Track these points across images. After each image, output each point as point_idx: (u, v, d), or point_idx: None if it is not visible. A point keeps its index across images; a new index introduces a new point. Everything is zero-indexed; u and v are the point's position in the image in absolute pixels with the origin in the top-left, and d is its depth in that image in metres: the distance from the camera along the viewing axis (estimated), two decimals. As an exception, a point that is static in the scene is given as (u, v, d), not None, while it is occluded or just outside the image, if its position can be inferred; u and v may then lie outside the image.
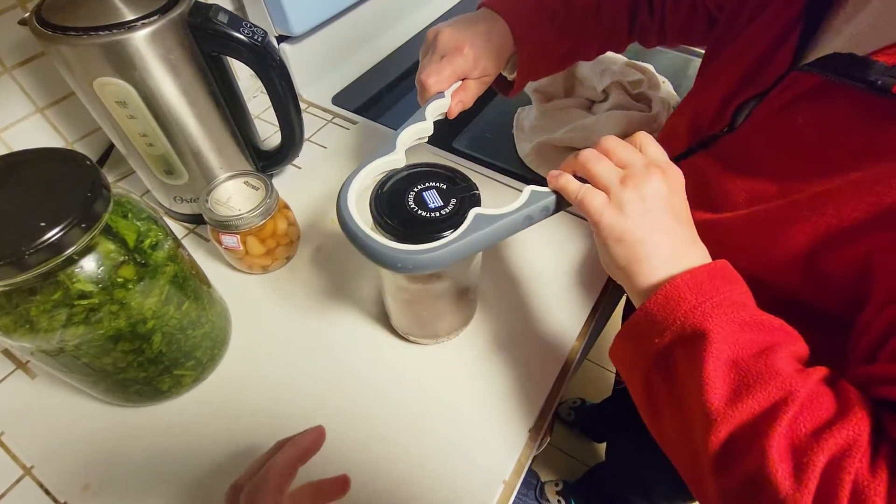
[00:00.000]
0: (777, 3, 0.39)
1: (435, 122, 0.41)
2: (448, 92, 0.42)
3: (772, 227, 0.34)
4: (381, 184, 0.35)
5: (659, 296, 0.28)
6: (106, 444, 0.41)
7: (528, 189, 0.34)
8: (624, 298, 0.70)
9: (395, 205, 0.34)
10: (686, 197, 0.33)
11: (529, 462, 0.42)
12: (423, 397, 0.44)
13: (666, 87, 0.75)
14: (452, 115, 0.44)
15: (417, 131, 0.40)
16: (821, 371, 0.27)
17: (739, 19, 0.43)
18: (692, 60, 0.88)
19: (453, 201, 0.34)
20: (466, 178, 0.36)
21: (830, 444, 0.23)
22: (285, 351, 0.47)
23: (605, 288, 0.52)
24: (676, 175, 0.33)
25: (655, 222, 0.30)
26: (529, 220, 0.34)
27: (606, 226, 0.31)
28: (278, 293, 0.51)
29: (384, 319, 0.49)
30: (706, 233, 0.33)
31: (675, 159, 0.41)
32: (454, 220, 0.33)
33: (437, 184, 0.35)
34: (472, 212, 0.32)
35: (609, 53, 0.80)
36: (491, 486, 0.39)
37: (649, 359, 0.29)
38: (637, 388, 0.31)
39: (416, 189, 0.35)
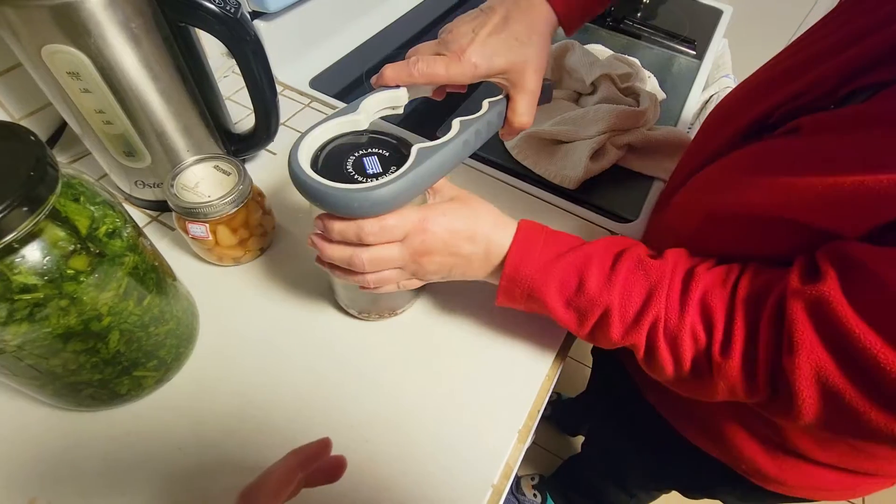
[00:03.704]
0: None
1: (410, 102, 0.39)
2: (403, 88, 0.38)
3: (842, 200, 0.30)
4: (323, 146, 0.34)
5: (501, 285, 0.37)
6: (56, 453, 0.37)
7: (457, 120, 0.36)
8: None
9: (331, 167, 0.33)
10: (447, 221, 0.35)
11: (518, 464, 0.40)
12: (407, 399, 0.42)
13: (651, 82, 0.75)
14: (440, 97, 0.42)
15: (387, 99, 0.37)
16: (626, 264, 0.35)
17: None
18: (677, 57, 0.88)
19: (393, 168, 0.33)
20: (410, 147, 0.34)
21: (645, 322, 0.33)
22: (258, 349, 0.43)
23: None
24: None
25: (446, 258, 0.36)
26: (467, 145, 0.36)
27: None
28: (251, 287, 0.48)
29: (364, 316, 0.46)
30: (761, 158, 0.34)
31: (750, 137, 0.39)
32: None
33: (381, 150, 0.35)
34: (415, 147, 0.33)
35: (597, 46, 0.79)
36: (479, 490, 0.38)
37: (523, 303, 0.38)
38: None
39: (356, 154, 0.34)
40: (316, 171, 0.32)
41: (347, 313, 0.46)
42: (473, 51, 0.36)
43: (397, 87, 0.37)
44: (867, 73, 0.32)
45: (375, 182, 0.31)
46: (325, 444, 0.30)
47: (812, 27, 0.42)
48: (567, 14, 0.41)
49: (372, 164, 0.34)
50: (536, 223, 0.38)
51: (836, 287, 0.27)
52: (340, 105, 0.68)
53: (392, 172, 0.32)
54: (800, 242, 0.32)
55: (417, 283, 0.39)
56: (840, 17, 0.39)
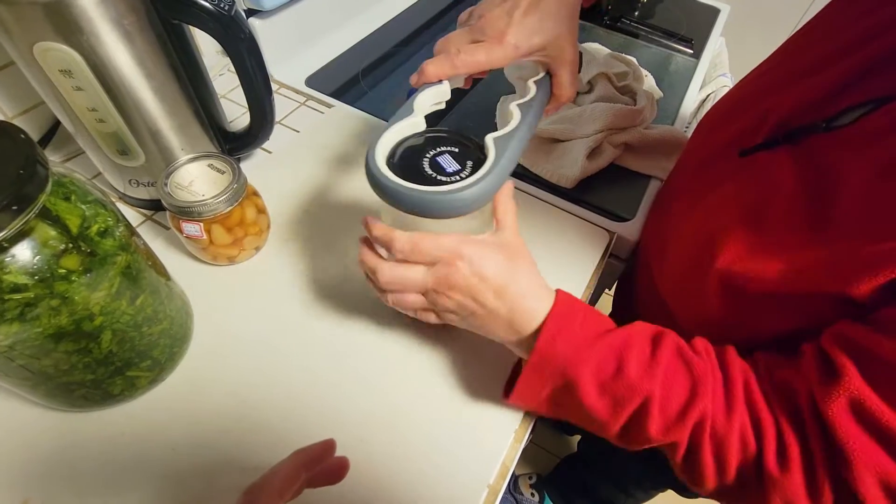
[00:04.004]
0: None
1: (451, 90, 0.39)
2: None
3: (816, 280, 0.31)
4: (392, 152, 0.34)
5: (532, 361, 0.34)
6: (49, 454, 0.37)
7: (514, 105, 0.36)
8: (614, 287, 0.70)
9: (411, 172, 0.32)
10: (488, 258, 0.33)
11: (514, 464, 0.40)
12: (402, 398, 0.41)
13: (649, 80, 0.75)
14: (468, 86, 0.42)
15: (435, 95, 0.37)
16: (667, 352, 0.32)
17: None
18: (674, 56, 0.88)
19: (469, 163, 0.33)
20: (473, 140, 0.34)
21: (689, 419, 0.31)
22: (253, 349, 0.43)
23: (591, 282, 0.51)
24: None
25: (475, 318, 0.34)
26: (532, 128, 0.36)
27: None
28: (246, 286, 0.47)
29: (360, 315, 0.46)
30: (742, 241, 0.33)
31: (748, 151, 0.38)
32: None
33: (450, 148, 0.34)
34: (489, 139, 0.33)
35: (594, 44, 0.79)
36: (475, 490, 0.37)
37: (543, 403, 0.36)
38: (543, 411, 0.38)
39: (429, 155, 0.33)
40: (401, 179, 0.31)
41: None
42: (512, 33, 0.36)
43: (440, 82, 0.37)
44: (858, 86, 0.32)
45: (469, 180, 0.31)
46: (329, 445, 0.29)
47: (795, 34, 0.42)
48: None
49: (448, 163, 0.33)
50: (574, 298, 0.36)
51: (861, 383, 0.27)
52: (336, 103, 0.67)
53: (470, 168, 0.32)
54: (814, 309, 0.32)
55: (434, 319, 0.36)
56: (823, 26, 0.39)
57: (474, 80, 0.44)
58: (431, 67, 0.36)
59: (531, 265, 0.35)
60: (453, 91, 0.39)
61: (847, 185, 0.30)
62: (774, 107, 0.37)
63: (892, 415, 0.26)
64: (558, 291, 0.35)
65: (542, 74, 0.40)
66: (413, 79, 0.38)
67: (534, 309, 0.34)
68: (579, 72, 0.41)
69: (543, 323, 0.33)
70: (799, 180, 0.34)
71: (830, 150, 0.33)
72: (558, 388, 0.34)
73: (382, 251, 0.35)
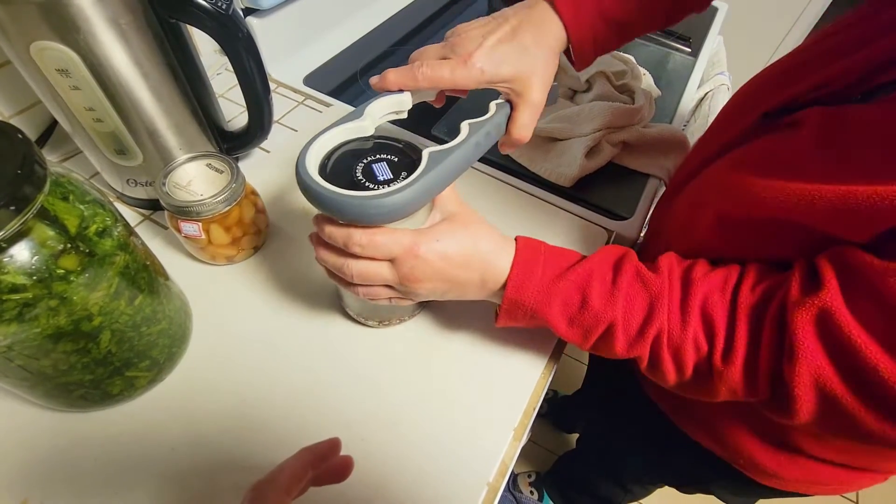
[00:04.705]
0: None
1: (414, 103, 0.39)
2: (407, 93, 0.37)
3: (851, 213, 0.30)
4: (329, 154, 0.34)
5: (503, 307, 0.37)
6: (48, 454, 0.37)
7: (466, 123, 0.35)
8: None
9: (341, 175, 0.32)
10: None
11: (514, 462, 0.40)
12: (402, 398, 0.42)
13: (647, 79, 0.75)
14: (440, 104, 0.41)
15: (391, 104, 0.37)
16: (626, 277, 0.35)
17: None
18: (672, 54, 0.88)
19: (403, 174, 0.32)
20: (418, 151, 0.34)
21: (648, 335, 0.33)
22: (252, 349, 0.43)
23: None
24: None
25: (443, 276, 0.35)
26: (478, 147, 0.36)
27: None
28: (244, 286, 0.47)
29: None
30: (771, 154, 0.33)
31: (774, 113, 0.37)
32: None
33: (389, 156, 0.34)
34: (425, 152, 0.33)
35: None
36: (474, 488, 0.38)
37: (525, 322, 0.38)
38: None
39: (365, 160, 0.33)
40: (325, 179, 0.31)
41: (350, 318, 0.45)
42: (480, 56, 0.35)
43: (399, 91, 0.36)
44: (888, 70, 0.31)
45: (388, 189, 0.30)
46: (335, 443, 0.30)
47: (834, 22, 0.40)
48: (578, 37, 0.40)
49: (382, 171, 0.33)
50: (534, 241, 0.38)
51: (838, 297, 0.28)
52: (334, 102, 0.67)
53: (403, 178, 0.32)
54: (808, 245, 0.32)
55: (408, 302, 0.38)
56: (866, 9, 0.37)
57: (450, 99, 0.43)
58: (392, 76, 0.36)
59: (482, 223, 0.37)
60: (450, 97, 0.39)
61: (870, 138, 0.30)
62: (801, 90, 0.36)
63: (857, 329, 0.27)
64: (518, 238, 0.37)
65: (503, 101, 0.39)
66: (373, 81, 0.37)
67: (499, 264, 0.36)
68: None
69: (509, 274, 0.35)
70: (822, 129, 0.33)
71: (861, 119, 0.31)
72: (535, 322, 0.37)
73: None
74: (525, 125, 0.39)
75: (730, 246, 0.38)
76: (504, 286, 0.36)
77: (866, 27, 0.35)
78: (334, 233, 0.33)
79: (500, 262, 0.36)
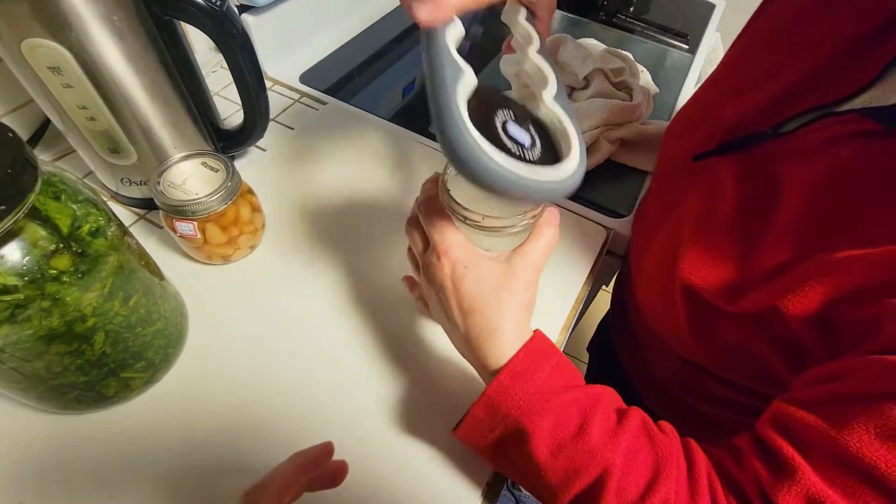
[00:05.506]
0: None
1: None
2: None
3: (783, 287, 0.30)
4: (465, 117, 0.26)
5: (487, 393, 0.30)
6: (43, 456, 0.36)
7: (535, 54, 0.32)
8: (613, 281, 0.70)
9: (492, 143, 0.25)
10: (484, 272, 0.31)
11: (512, 462, 0.40)
12: (399, 397, 0.41)
13: (645, 76, 0.74)
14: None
15: (455, 40, 0.30)
16: (633, 424, 0.29)
17: None
18: (670, 51, 0.88)
19: (532, 130, 0.28)
20: (509, 98, 0.29)
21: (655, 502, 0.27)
22: (248, 349, 0.43)
23: (587, 280, 0.51)
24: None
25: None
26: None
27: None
28: (241, 286, 0.47)
29: (357, 315, 0.46)
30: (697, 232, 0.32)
31: (700, 156, 0.39)
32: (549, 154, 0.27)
33: (510, 111, 0.28)
34: (549, 99, 0.29)
35: (590, 40, 0.78)
36: (474, 488, 0.37)
37: (488, 448, 0.32)
38: (487, 460, 0.34)
39: (498, 121, 0.27)
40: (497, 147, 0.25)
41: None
42: None
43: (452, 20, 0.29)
44: (803, 96, 0.32)
45: (570, 164, 0.26)
46: (327, 448, 0.29)
47: (747, 37, 0.42)
48: None
49: (517, 132, 0.27)
50: (551, 343, 0.32)
51: (818, 481, 0.25)
52: (330, 100, 0.67)
53: (536, 137, 0.27)
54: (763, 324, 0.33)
55: (424, 309, 0.37)
56: (773, 30, 0.39)
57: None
58: (423, 14, 0.28)
59: (524, 301, 0.31)
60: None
61: (787, 197, 0.31)
62: (727, 115, 0.37)
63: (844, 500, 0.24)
64: (536, 332, 0.32)
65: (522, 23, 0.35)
66: (424, 16, 0.28)
67: (506, 340, 0.30)
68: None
69: (510, 359, 0.30)
70: (743, 188, 0.34)
71: (775, 159, 0.33)
72: (509, 434, 0.30)
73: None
74: (546, 22, 0.37)
75: (702, 326, 0.39)
76: (499, 370, 0.30)
77: (773, 55, 0.36)
78: (429, 191, 0.33)
79: (507, 338, 0.30)
